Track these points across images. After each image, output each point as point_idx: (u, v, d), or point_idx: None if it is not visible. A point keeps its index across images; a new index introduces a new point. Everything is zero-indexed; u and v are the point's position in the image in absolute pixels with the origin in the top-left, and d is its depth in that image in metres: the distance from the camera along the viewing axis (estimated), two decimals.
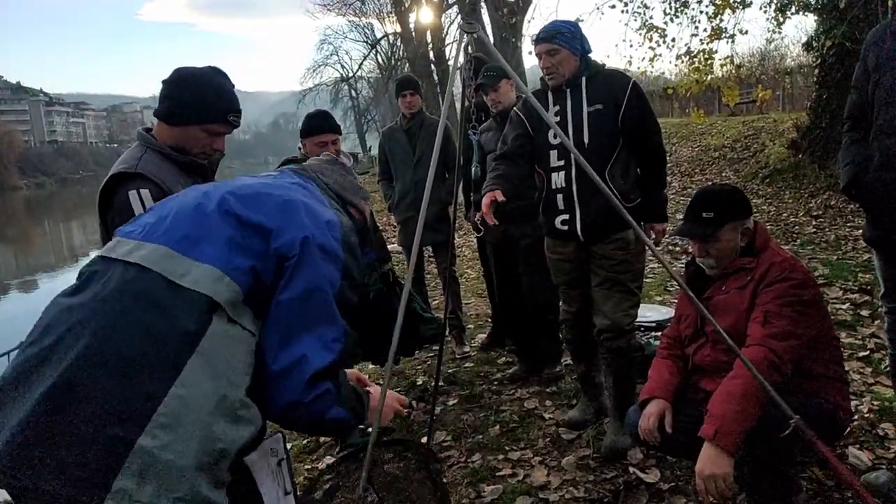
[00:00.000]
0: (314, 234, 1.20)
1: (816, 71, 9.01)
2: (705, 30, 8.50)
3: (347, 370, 1.50)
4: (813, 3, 8.21)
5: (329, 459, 2.14)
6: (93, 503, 0.95)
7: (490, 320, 4.39)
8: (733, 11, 8.20)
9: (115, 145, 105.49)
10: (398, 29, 25.01)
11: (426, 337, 3.02)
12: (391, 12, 26.08)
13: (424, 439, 2.12)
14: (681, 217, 2.30)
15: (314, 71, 36.91)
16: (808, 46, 9.24)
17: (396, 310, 1.67)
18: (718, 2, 8.02)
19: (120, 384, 1.00)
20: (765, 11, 8.55)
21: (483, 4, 15.81)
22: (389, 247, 3.51)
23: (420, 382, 3.79)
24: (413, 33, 22.19)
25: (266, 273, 1.16)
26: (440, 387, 3.32)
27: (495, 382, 3.57)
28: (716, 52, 8.60)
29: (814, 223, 6.74)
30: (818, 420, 1.78)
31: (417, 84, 4.25)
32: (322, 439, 3.22)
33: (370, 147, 35.49)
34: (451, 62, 1.78)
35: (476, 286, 5.86)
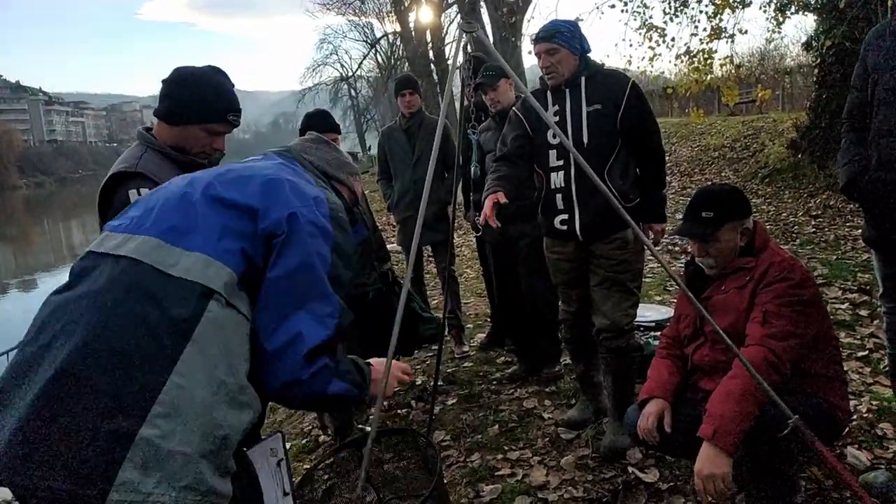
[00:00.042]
0: (301, 210, 1.19)
1: (816, 71, 9.02)
2: (705, 29, 8.50)
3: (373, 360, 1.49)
4: (812, 2, 8.21)
5: (329, 460, 2.14)
6: (97, 497, 0.95)
7: (489, 320, 4.39)
8: (733, 11, 8.20)
9: (115, 144, 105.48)
10: (398, 28, 25.03)
11: (425, 336, 3.03)
12: (391, 12, 26.09)
13: (422, 439, 2.11)
14: (680, 217, 2.31)
15: (314, 70, 36.94)
16: (807, 46, 9.24)
17: (396, 309, 1.67)
18: (718, 1, 8.01)
19: (117, 377, 1.01)
20: (764, 11, 8.56)
21: (483, 4, 15.82)
22: (389, 246, 3.51)
23: (419, 382, 3.79)
24: (413, 33, 22.20)
25: (257, 254, 1.16)
26: (439, 386, 3.32)
27: (494, 382, 3.57)
28: (715, 51, 8.59)
29: (813, 223, 6.74)
30: (817, 420, 1.78)
31: (417, 83, 4.25)
32: (322, 439, 3.22)
33: (369, 146, 35.51)
34: (450, 61, 1.78)
35: (475, 286, 5.86)
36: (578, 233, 2.54)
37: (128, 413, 0.99)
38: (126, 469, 0.96)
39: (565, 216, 2.56)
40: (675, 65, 9.20)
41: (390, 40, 30.95)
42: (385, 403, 2.31)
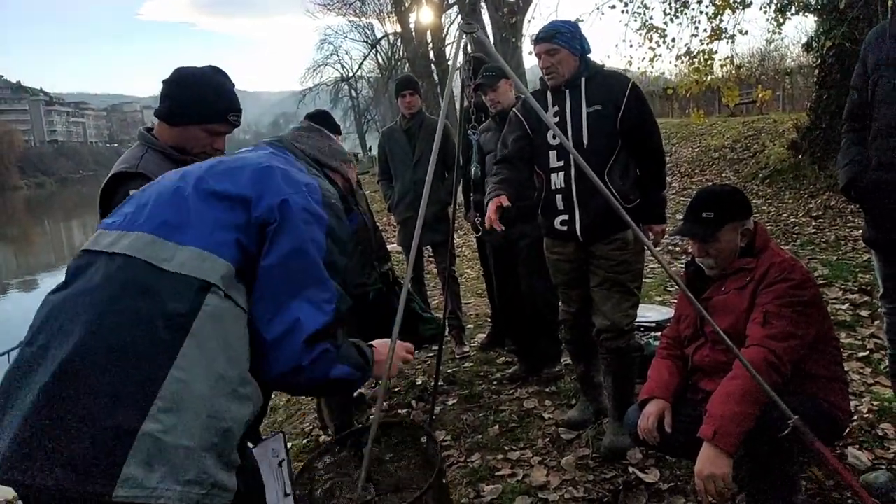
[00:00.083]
0: (293, 197, 1.19)
1: (816, 71, 9.02)
2: (705, 30, 8.51)
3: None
4: (813, 3, 8.21)
5: (329, 459, 2.14)
6: (103, 493, 0.96)
7: (489, 320, 4.40)
8: (733, 12, 8.20)
9: (116, 145, 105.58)
10: (398, 29, 25.03)
11: (426, 337, 3.02)
12: (391, 12, 26.09)
13: (424, 439, 2.11)
14: (681, 217, 2.31)
15: (314, 71, 36.94)
16: (807, 47, 9.24)
17: (396, 309, 1.67)
18: (718, 2, 8.02)
19: (117, 373, 1.01)
20: (765, 12, 8.56)
21: (483, 4, 15.82)
22: (389, 247, 3.51)
23: (419, 382, 3.79)
24: (413, 33, 22.20)
25: (252, 244, 1.16)
26: (439, 386, 3.32)
27: (495, 382, 3.57)
28: (716, 52, 8.60)
29: (814, 224, 6.74)
30: (817, 420, 1.78)
31: (417, 84, 4.26)
32: (322, 439, 3.22)
33: (370, 147, 35.49)
34: (450, 62, 1.78)
35: (476, 286, 5.86)
36: (579, 233, 2.54)
37: (129, 409, 0.99)
38: (130, 465, 0.97)
39: (565, 217, 2.56)
40: (676, 65, 9.23)
41: (391, 41, 30.96)
42: (385, 404, 2.32)
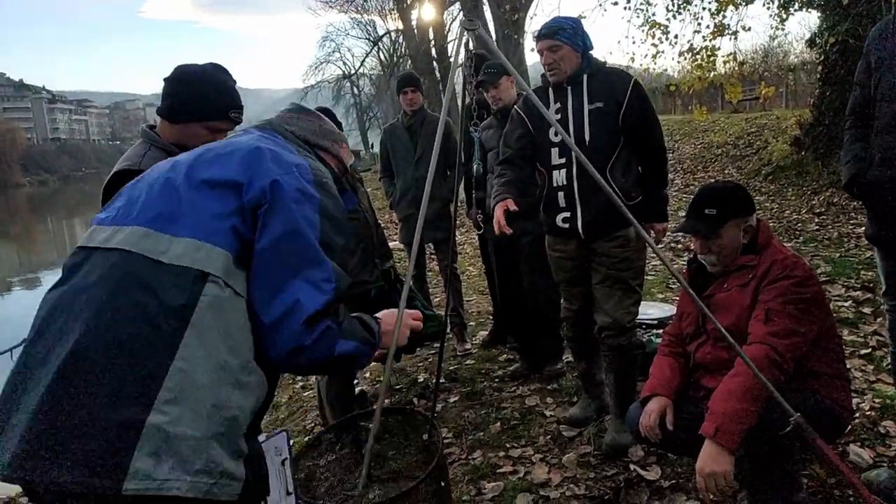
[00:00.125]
0: (283, 177, 1.17)
1: (820, 67, 8.98)
2: (708, 26, 8.50)
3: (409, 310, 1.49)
4: None
5: (331, 456, 2.14)
6: (113, 487, 0.96)
7: (491, 317, 4.40)
8: (736, 8, 8.18)
9: (118, 143, 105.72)
10: (400, 26, 25.01)
11: (427, 334, 3.02)
12: (393, 9, 26.07)
13: (426, 436, 2.12)
14: (683, 214, 2.30)
15: (316, 68, 36.97)
16: (811, 43, 9.21)
17: (398, 307, 1.67)
18: None
19: (120, 368, 1.01)
20: (768, 8, 8.54)
21: (485, 1, 15.77)
22: (391, 244, 3.51)
23: (421, 379, 3.80)
24: (415, 30, 22.16)
25: (246, 230, 1.15)
26: (441, 384, 3.33)
27: (496, 380, 3.57)
28: (718, 48, 8.59)
29: (816, 220, 6.72)
30: (819, 418, 1.77)
31: (419, 81, 4.25)
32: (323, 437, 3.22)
33: (372, 144, 35.50)
34: (452, 59, 1.78)
35: (477, 283, 5.86)
36: (580, 231, 2.54)
37: (135, 402, 1.00)
38: (138, 457, 0.97)
39: (567, 214, 2.56)
40: (679, 62, 9.22)
41: (393, 38, 30.96)
42: (386, 401, 2.31)
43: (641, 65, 9.17)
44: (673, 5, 8.78)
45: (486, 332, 4.29)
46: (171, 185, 1.18)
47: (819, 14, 8.43)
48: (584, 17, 8.91)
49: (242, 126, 1.59)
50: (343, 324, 1.21)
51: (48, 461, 0.97)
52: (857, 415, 2.55)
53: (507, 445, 2.81)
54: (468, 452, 2.81)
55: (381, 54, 34.29)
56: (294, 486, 1.69)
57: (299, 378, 4.46)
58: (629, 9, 8.97)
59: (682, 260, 5.64)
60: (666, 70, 11.70)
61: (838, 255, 5.26)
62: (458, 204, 2.98)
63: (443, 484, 1.85)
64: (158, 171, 1.25)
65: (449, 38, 21.23)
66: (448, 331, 3.77)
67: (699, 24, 8.61)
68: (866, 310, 3.80)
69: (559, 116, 2.53)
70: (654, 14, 9.02)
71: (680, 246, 6.17)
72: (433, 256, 5.38)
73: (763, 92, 10.35)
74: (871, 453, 2.34)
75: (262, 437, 1.42)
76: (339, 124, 3.20)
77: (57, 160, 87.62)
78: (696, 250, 2.09)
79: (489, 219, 3.55)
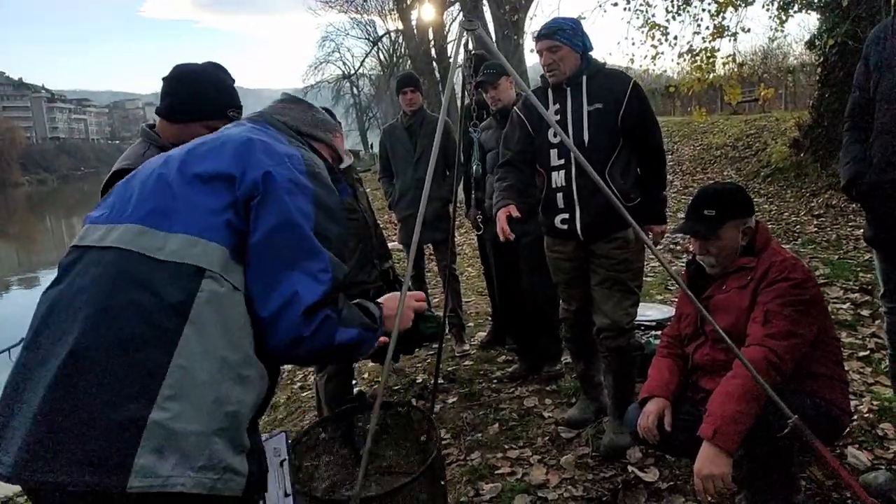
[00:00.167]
0: (275, 169, 1.16)
1: (819, 69, 8.98)
2: (707, 28, 8.50)
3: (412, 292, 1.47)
4: (815, 1, 8.18)
5: (328, 457, 2.14)
6: (117, 485, 0.96)
7: (490, 318, 4.39)
8: (735, 9, 8.19)
9: (117, 142, 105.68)
10: (400, 26, 25.01)
11: (426, 335, 3.02)
12: (393, 9, 26.08)
13: (423, 437, 2.12)
14: (682, 216, 2.30)
15: (316, 68, 36.97)
16: (810, 45, 9.21)
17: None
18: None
19: (120, 367, 1.01)
20: (767, 9, 8.55)
21: (485, 1, 15.78)
22: (390, 244, 3.51)
23: (420, 380, 3.80)
24: (415, 30, 22.17)
25: (241, 223, 1.14)
26: (440, 385, 3.33)
27: (495, 380, 3.57)
28: (718, 50, 8.59)
29: (815, 222, 6.73)
30: (817, 420, 1.77)
31: (418, 81, 4.25)
32: (322, 437, 3.21)
33: (371, 144, 35.50)
34: (451, 59, 1.77)
35: (476, 284, 5.86)
36: (579, 232, 2.54)
37: (136, 399, 1.00)
38: (142, 455, 0.97)
39: (566, 215, 2.56)
40: (678, 63, 9.21)
41: (392, 38, 30.97)
42: (382, 410, 2.31)
43: (641, 66, 9.19)
44: (672, 6, 8.79)
45: (485, 333, 4.29)
46: (164, 181, 1.17)
47: (818, 16, 8.44)
48: (584, 18, 8.92)
49: None
50: (342, 312, 1.20)
51: (52, 462, 0.97)
52: (856, 417, 2.55)
53: (506, 446, 2.81)
54: (466, 453, 2.81)
55: (380, 54, 34.31)
56: (293, 487, 1.69)
57: (297, 378, 4.45)
58: (629, 10, 8.98)
59: (680, 261, 5.64)
60: (665, 71, 11.73)
61: (837, 257, 5.26)
62: (458, 204, 2.98)
63: (442, 483, 1.86)
64: (150, 167, 1.23)
65: (449, 39, 21.23)
66: (447, 331, 3.77)
67: (699, 25, 8.63)
68: (865, 312, 3.80)
69: (558, 117, 2.53)
70: (653, 15, 9.04)
71: (679, 247, 6.17)
72: (432, 257, 5.38)
73: (762, 94, 10.34)
74: (869, 455, 2.34)
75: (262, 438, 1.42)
76: (338, 124, 3.21)
77: (56, 159, 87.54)
78: (695, 251, 2.09)
79: (488, 219, 3.56)
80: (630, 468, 2.47)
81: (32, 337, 1.10)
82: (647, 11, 8.88)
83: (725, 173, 10.74)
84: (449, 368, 3.81)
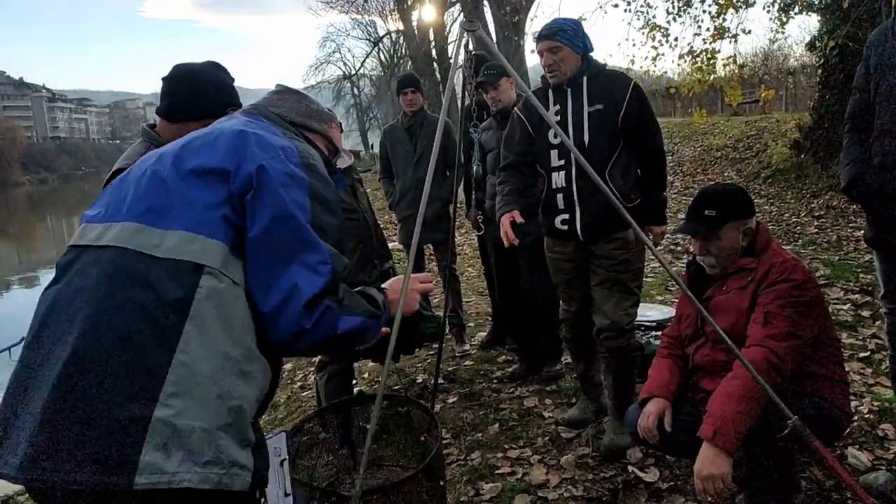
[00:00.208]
0: (269, 162, 1.15)
1: (819, 71, 8.99)
2: (708, 29, 8.49)
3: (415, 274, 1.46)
4: (816, 2, 8.18)
5: (329, 457, 2.14)
6: (124, 483, 0.96)
7: (490, 318, 4.39)
8: (736, 11, 8.19)
9: (118, 142, 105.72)
10: (401, 26, 25.02)
11: (426, 335, 3.03)
12: (394, 10, 26.08)
13: (423, 437, 2.12)
14: (683, 217, 2.31)
15: (317, 68, 36.92)
16: (811, 46, 9.22)
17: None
18: (721, 1, 8.00)
19: (122, 365, 1.01)
20: (768, 11, 8.54)
21: (486, 2, 15.79)
22: (390, 245, 3.51)
23: (420, 380, 3.80)
24: (415, 31, 22.19)
25: (237, 218, 1.13)
26: (440, 384, 3.33)
27: (495, 381, 3.57)
28: (718, 51, 8.59)
29: (816, 224, 6.73)
30: (818, 421, 1.78)
31: (419, 82, 4.26)
32: (322, 436, 3.21)
33: (372, 145, 35.51)
34: (452, 60, 1.78)
35: (477, 284, 5.86)
36: (579, 233, 2.54)
37: (140, 397, 1.00)
38: (148, 452, 0.97)
39: (566, 216, 2.56)
40: (679, 64, 9.21)
41: (393, 38, 30.97)
42: (385, 402, 2.31)
43: (641, 67, 9.18)
44: (673, 8, 8.79)
45: (485, 333, 4.29)
46: (159, 177, 1.16)
47: (819, 18, 8.45)
48: (585, 19, 8.92)
49: None
50: (343, 301, 1.19)
51: (58, 462, 0.97)
52: (856, 418, 2.55)
53: (506, 446, 2.81)
54: (466, 453, 2.81)
55: (381, 55, 34.32)
56: (292, 487, 1.69)
57: (298, 378, 4.45)
58: (629, 11, 8.98)
59: (681, 262, 5.65)
60: (666, 72, 11.70)
61: (837, 258, 5.26)
62: (458, 205, 2.98)
63: (441, 483, 1.86)
64: (145, 164, 1.22)
65: (449, 40, 21.25)
66: (447, 331, 3.77)
67: (699, 26, 8.62)
68: (865, 313, 3.81)
69: (558, 118, 2.53)
70: (654, 16, 8.99)
71: (679, 248, 6.18)
72: (432, 257, 5.38)
73: (763, 95, 10.33)
74: (870, 456, 2.34)
75: None
76: (339, 125, 3.21)
77: (57, 159, 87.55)
78: (695, 252, 2.09)
79: (489, 220, 3.56)
80: (630, 468, 2.47)
81: (33, 337, 1.10)
82: (647, 13, 8.89)
83: (726, 174, 10.74)
84: (449, 368, 3.82)
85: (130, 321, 1.04)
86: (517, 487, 2.47)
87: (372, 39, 33.47)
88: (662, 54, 8.94)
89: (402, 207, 4.13)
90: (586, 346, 2.80)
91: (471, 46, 2.93)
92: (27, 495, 3.41)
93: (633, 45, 9.38)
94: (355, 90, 41.27)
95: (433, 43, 21.71)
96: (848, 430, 2.27)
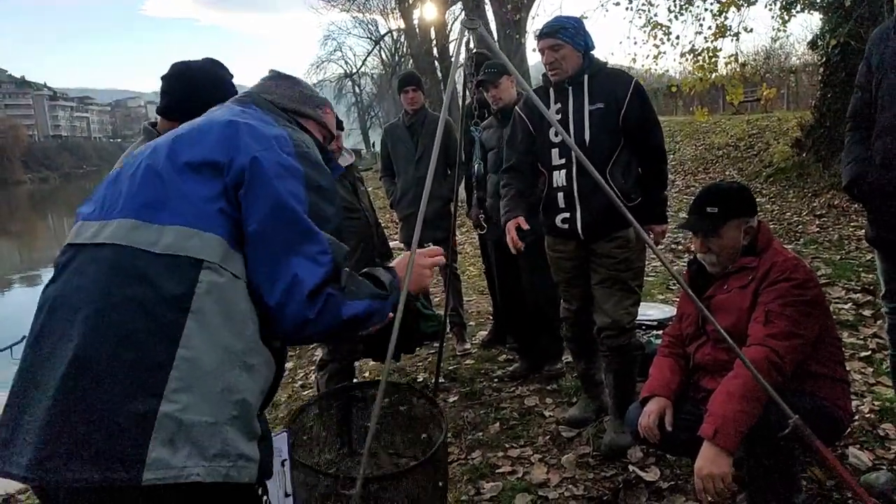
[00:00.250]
0: (262, 153, 1.14)
1: (821, 70, 8.97)
2: (710, 27, 8.49)
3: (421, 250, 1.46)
4: (818, 1, 8.17)
5: (328, 455, 2.14)
6: (132, 479, 0.97)
7: (491, 317, 4.39)
8: (738, 9, 8.18)
9: (119, 140, 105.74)
10: (402, 25, 25.02)
11: (427, 333, 3.03)
12: (395, 8, 26.08)
13: (424, 435, 2.12)
14: (684, 215, 2.30)
15: (318, 67, 36.85)
16: (813, 45, 9.20)
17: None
18: None
19: (125, 362, 1.01)
20: (770, 9, 8.53)
21: (487, 0, 15.76)
22: (391, 243, 3.51)
23: (421, 379, 3.80)
24: (417, 29, 22.19)
25: (234, 211, 1.12)
26: (441, 383, 3.32)
27: (496, 380, 3.57)
28: (720, 50, 8.59)
29: (817, 222, 6.71)
30: (818, 420, 1.77)
31: (420, 80, 4.25)
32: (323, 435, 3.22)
33: (373, 143, 35.50)
34: (453, 58, 1.77)
35: (477, 283, 5.86)
36: (580, 231, 2.54)
37: (144, 395, 1.00)
38: (154, 447, 0.98)
39: (567, 215, 2.56)
40: (680, 63, 9.21)
41: (394, 37, 30.99)
42: (385, 400, 2.31)
43: (643, 65, 9.18)
44: (675, 6, 8.78)
45: (486, 332, 4.29)
46: (153, 171, 1.15)
47: (821, 16, 8.43)
48: (586, 18, 8.92)
49: None
50: (346, 286, 1.18)
51: (65, 461, 0.97)
52: (857, 417, 2.55)
53: (507, 445, 2.81)
54: (467, 452, 2.81)
55: (382, 53, 34.33)
56: (293, 487, 1.69)
57: (298, 377, 4.46)
58: (631, 9, 8.98)
59: (682, 261, 5.64)
60: (667, 71, 11.71)
61: (839, 257, 5.26)
62: (459, 203, 2.97)
63: (441, 484, 1.86)
64: (138, 159, 1.21)
65: (451, 38, 21.24)
66: (447, 330, 3.77)
67: (701, 25, 8.62)
68: (866, 312, 3.80)
69: (559, 117, 2.53)
70: (655, 15, 9.02)
71: (680, 247, 6.17)
72: None
73: (764, 94, 10.35)
74: (871, 456, 2.33)
75: None
76: (339, 123, 3.21)
77: (58, 157, 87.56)
78: (696, 249, 2.09)
79: (490, 219, 3.56)
80: (631, 467, 2.47)
81: (35, 337, 1.10)
82: (649, 11, 8.89)
83: (727, 173, 10.73)
84: (450, 367, 3.82)
85: (131, 318, 1.04)
86: (518, 486, 2.47)
87: (373, 38, 33.49)
88: (664, 53, 8.97)
89: (403, 206, 4.12)
90: (587, 345, 2.80)
91: (472, 45, 2.93)
92: (28, 493, 3.42)
93: (635, 43, 9.38)
94: (356, 88, 41.26)
95: (434, 41, 21.70)
96: (849, 429, 2.27)
